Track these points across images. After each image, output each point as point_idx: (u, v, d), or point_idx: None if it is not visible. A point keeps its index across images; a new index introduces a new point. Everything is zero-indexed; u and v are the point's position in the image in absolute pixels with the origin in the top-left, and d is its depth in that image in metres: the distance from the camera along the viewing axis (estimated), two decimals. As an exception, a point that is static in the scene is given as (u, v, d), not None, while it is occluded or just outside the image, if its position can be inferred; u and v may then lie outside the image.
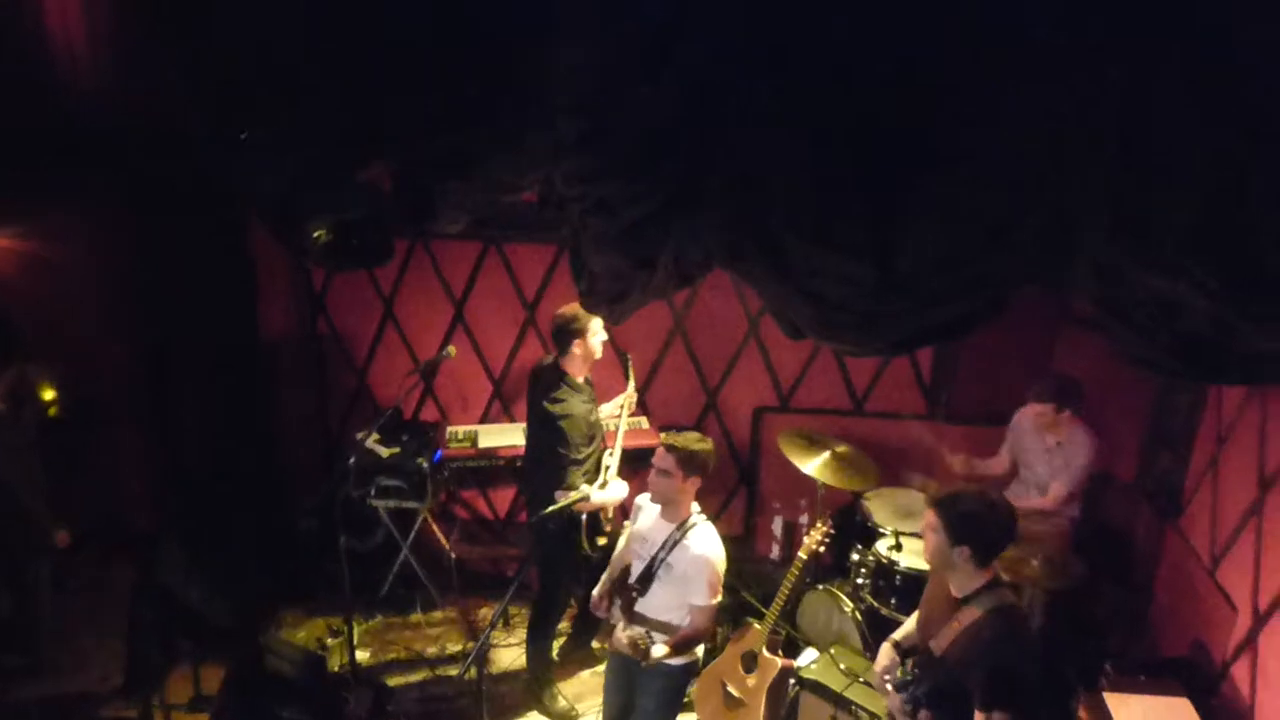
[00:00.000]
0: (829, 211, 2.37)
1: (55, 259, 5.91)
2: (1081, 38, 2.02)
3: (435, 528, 6.63)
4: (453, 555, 6.66)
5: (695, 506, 4.19)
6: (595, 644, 5.97)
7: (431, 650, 6.06)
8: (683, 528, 4.10)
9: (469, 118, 2.92)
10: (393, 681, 5.71)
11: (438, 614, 6.32)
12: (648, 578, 4.15)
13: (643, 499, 4.29)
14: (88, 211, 5.80)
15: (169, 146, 4.36)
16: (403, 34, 2.83)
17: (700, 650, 4.30)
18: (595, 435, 5.21)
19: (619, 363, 6.11)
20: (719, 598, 4.11)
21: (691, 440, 4.05)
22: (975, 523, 3.22)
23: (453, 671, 5.75)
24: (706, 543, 4.08)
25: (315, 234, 3.21)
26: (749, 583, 6.40)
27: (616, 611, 4.26)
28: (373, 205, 3.11)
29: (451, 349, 5.76)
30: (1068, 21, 2.04)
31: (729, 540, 6.82)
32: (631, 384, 5.71)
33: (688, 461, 4.00)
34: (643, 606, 4.20)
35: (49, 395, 5.74)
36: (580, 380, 5.17)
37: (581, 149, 2.63)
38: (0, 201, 5.73)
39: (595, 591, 4.42)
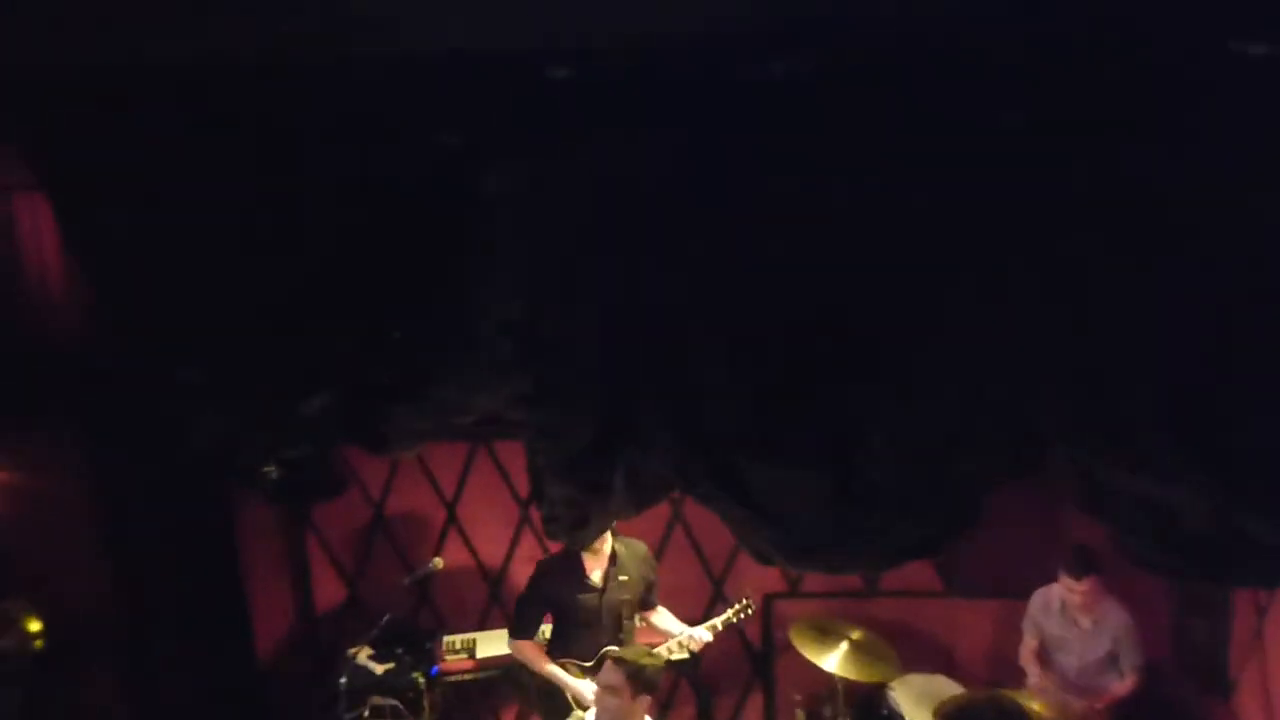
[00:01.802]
0: (776, 423, 2.22)
1: (30, 490, 5.80)
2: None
3: (436, 745, 6.22)
4: (457, 774, 6.25)
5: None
6: None
7: None
8: None
9: (407, 344, 2.84)
10: None
11: (441, 845, 5.83)
12: None
13: None
14: (61, 441, 5.73)
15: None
16: (333, 266, 2.79)
17: None
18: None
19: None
20: None
21: (640, 655, 3.82)
22: None
23: None
24: None
25: (265, 470, 3.09)
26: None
27: None
28: (319, 440, 3.00)
29: (438, 560, 5.54)
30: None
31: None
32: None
33: (636, 677, 3.74)
34: None
35: (35, 627, 5.56)
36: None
37: (515, 371, 2.53)
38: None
39: None
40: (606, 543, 5.00)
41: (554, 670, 5.08)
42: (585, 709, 4.91)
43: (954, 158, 1.81)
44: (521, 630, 5.24)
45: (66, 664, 5.70)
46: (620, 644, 4.72)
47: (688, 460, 2.30)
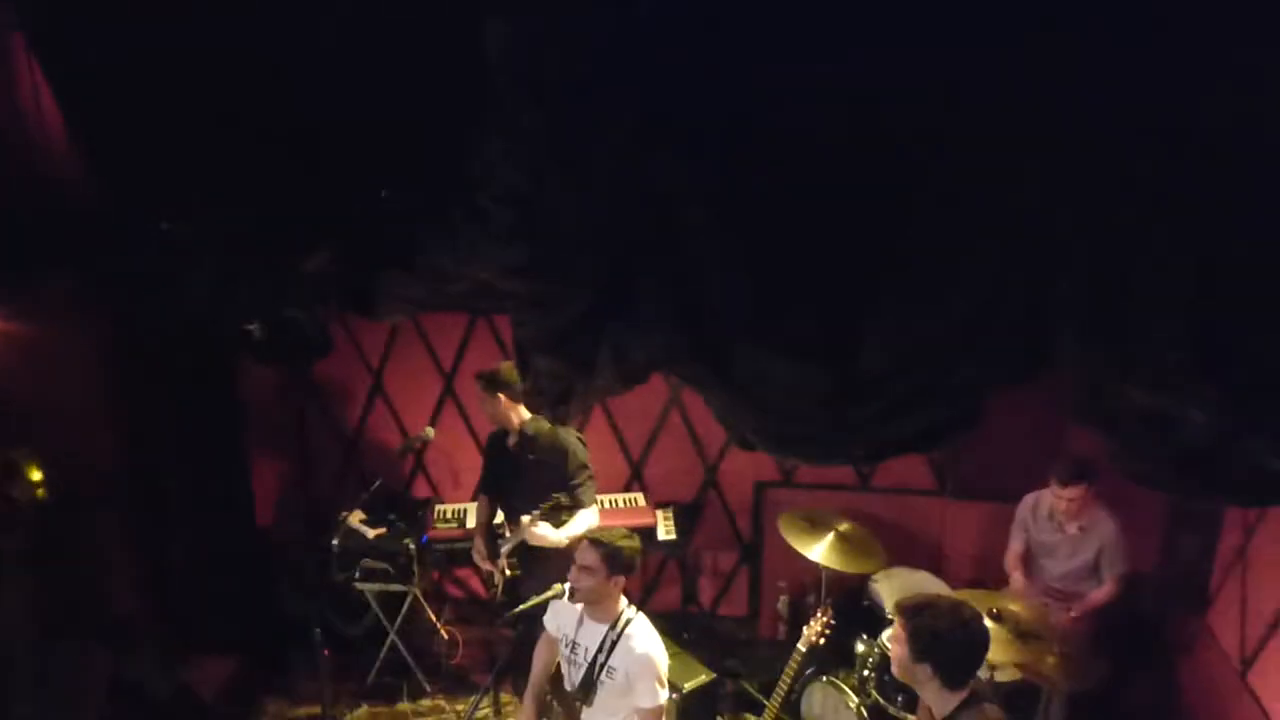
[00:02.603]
0: (773, 308, 2.13)
1: (37, 342, 5.77)
2: (1052, 130, 1.78)
3: (427, 608, 6.37)
4: (445, 636, 6.41)
5: (624, 601, 3.94)
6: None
7: (418, 742, 5.76)
8: (617, 626, 3.82)
9: (404, 207, 2.73)
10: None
11: (426, 702, 6.02)
12: (589, 685, 3.88)
13: (557, 602, 4.00)
14: (70, 296, 5.68)
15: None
16: (333, 123, 2.67)
17: None
18: None
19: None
20: (665, 694, 3.83)
21: (618, 536, 3.83)
22: (939, 641, 2.92)
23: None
24: (648, 638, 3.84)
25: (249, 329, 3.02)
26: (753, 669, 6.08)
27: None
28: (309, 301, 2.92)
29: (429, 430, 5.54)
30: (1038, 114, 1.80)
31: (733, 620, 6.65)
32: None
33: (612, 558, 3.77)
34: (589, 717, 3.93)
35: (37, 476, 5.61)
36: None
37: (512, 241, 2.43)
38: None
39: (525, 704, 4.18)
40: (520, 416, 5.08)
41: (475, 523, 5.58)
42: (480, 558, 5.32)
43: (982, 17, 1.67)
44: (479, 488, 5.63)
45: (72, 515, 5.79)
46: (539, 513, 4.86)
47: (677, 340, 2.23)
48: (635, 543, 3.85)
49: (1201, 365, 1.87)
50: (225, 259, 2.82)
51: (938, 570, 5.74)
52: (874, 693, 4.98)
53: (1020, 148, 1.78)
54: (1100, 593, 4.97)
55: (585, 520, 4.94)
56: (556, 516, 4.94)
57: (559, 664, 4.12)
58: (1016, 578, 5.22)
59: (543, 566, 4.86)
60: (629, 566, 3.81)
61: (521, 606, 4.05)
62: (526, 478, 5.14)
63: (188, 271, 2.89)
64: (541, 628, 4.19)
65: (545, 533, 4.85)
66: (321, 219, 2.84)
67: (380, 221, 2.85)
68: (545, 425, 5.03)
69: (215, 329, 3.17)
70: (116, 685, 5.57)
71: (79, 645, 5.77)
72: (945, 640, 2.91)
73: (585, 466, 5.03)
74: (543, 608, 4.07)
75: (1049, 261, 1.85)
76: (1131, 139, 1.69)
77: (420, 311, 5.84)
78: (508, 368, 4.92)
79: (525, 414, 5.06)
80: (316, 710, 5.74)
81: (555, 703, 4.10)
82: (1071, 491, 4.85)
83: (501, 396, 5.01)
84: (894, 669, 3.15)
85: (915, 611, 2.97)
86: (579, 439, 5.09)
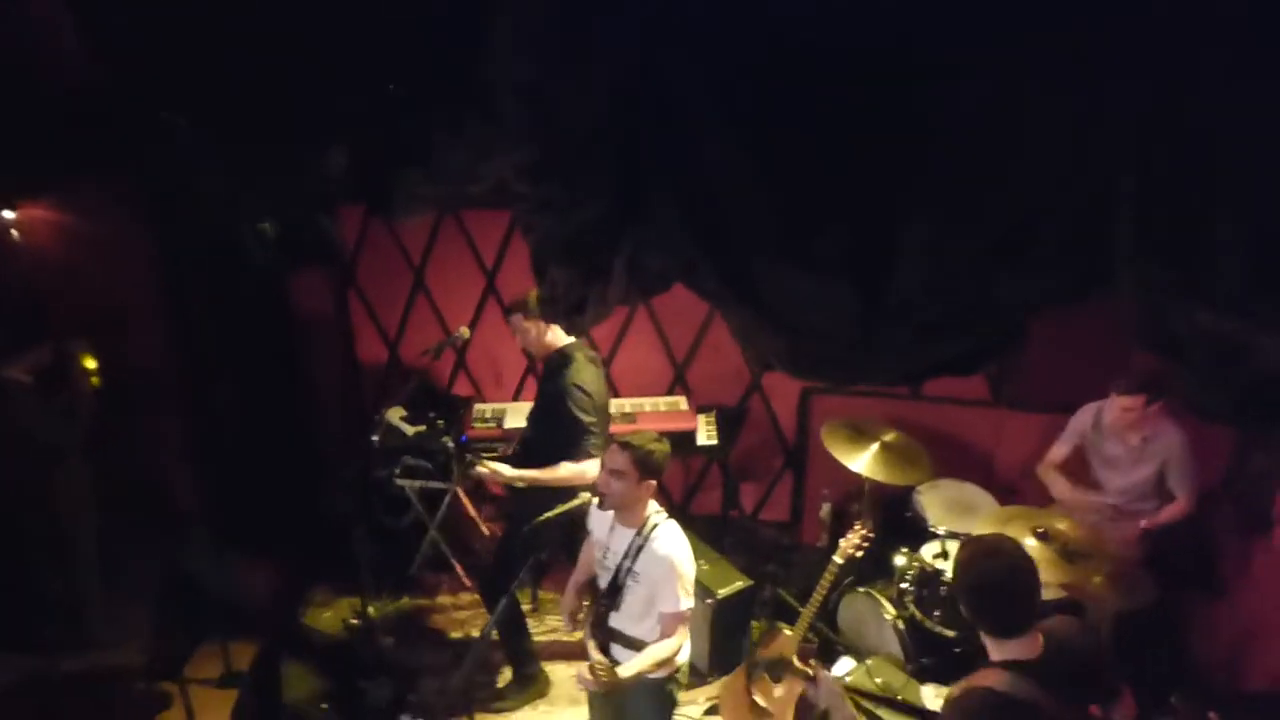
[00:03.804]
0: (801, 223, 1.94)
1: (90, 233, 5.76)
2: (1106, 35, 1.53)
3: (468, 505, 6.42)
4: (485, 533, 6.48)
5: (654, 505, 3.86)
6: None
7: (456, 634, 5.86)
8: (644, 531, 3.76)
9: (417, 103, 2.57)
10: (416, 666, 5.56)
11: (465, 596, 6.12)
12: (615, 590, 3.85)
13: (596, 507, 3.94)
14: (115, 186, 5.64)
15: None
16: (345, 18, 2.49)
17: (684, 657, 3.95)
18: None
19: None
20: (689, 602, 3.77)
21: (648, 440, 3.72)
22: (983, 597, 2.70)
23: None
24: (672, 543, 3.75)
25: (260, 229, 2.90)
26: (793, 576, 6.04)
27: (588, 630, 3.99)
28: (324, 199, 2.79)
29: (464, 330, 5.44)
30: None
31: (775, 526, 6.60)
32: None
33: (643, 462, 3.67)
34: (616, 621, 3.91)
35: (91, 365, 5.70)
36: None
37: (523, 140, 2.25)
38: (29, 171, 5.62)
39: (563, 605, 4.19)
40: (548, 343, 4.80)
41: None
42: None
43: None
44: None
45: (126, 409, 5.90)
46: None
47: (697, 253, 2.05)
48: (665, 446, 3.76)
49: (1272, 286, 1.65)
50: (233, 154, 2.68)
51: (986, 484, 5.56)
52: (911, 606, 4.90)
53: (1071, 50, 1.55)
54: (1173, 508, 4.77)
55: (562, 472, 4.63)
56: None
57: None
58: (1057, 482, 5.04)
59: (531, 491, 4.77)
60: (658, 470, 3.74)
61: (546, 515, 4.01)
62: (536, 408, 5.04)
63: (198, 165, 2.77)
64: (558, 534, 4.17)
65: (499, 468, 4.77)
66: (330, 114, 2.68)
67: (393, 118, 2.69)
68: (566, 357, 4.73)
69: (229, 227, 3.05)
70: (172, 576, 5.74)
71: (137, 533, 5.96)
72: (965, 594, 2.74)
73: (577, 418, 4.61)
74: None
75: (1102, 175, 1.63)
76: (1193, 47, 1.45)
77: (440, 210, 5.72)
78: (534, 294, 4.55)
79: (557, 340, 4.77)
80: (358, 602, 5.87)
81: (588, 607, 4.08)
82: (1129, 402, 4.62)
83: (521, 317, 4.72)
84: None
85: (962, 565, 2.77)
86: (584, 389, 4.64)
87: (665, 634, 3.77)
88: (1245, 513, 4.86)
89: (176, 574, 5.69)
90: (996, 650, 2.73)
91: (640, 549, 3.78)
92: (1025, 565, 2.66)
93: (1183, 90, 1.59)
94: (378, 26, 2.52)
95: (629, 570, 3.81)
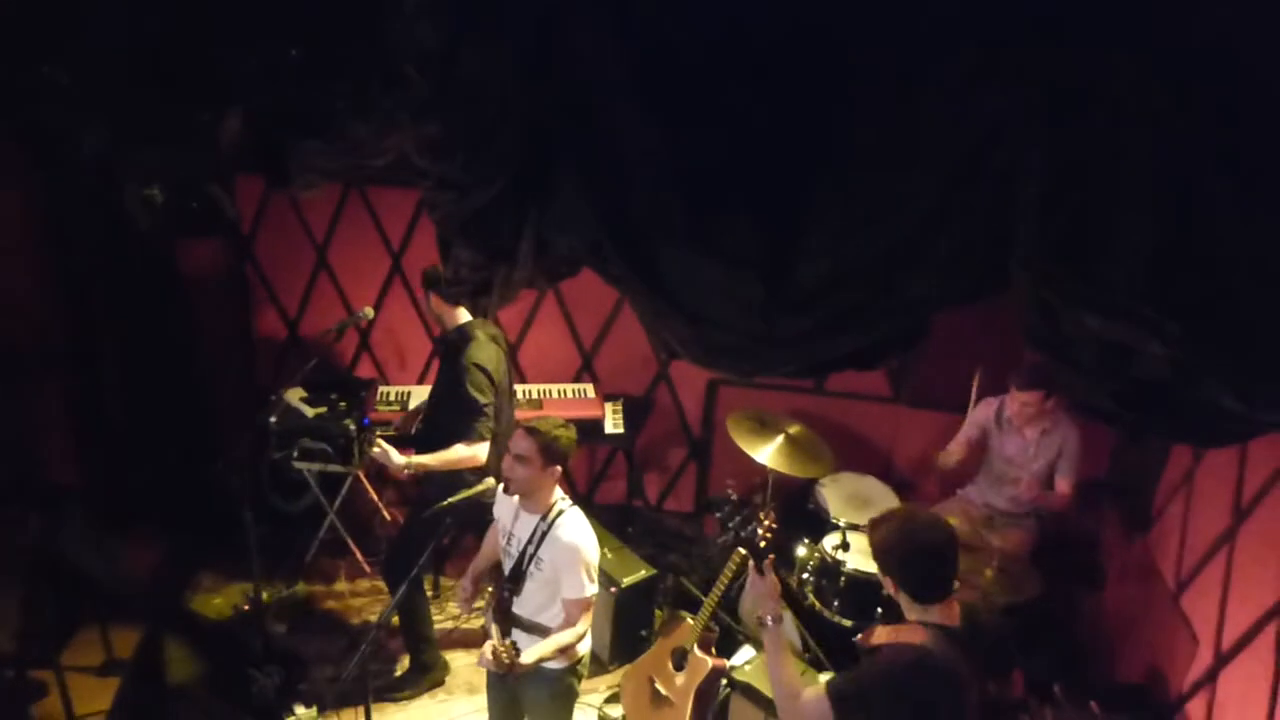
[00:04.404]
0: (704, 208, 1.92)
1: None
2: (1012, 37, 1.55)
3: (369, 488, 6.27)
4: (387, 518, 6.35)
5: (559, 492, 3.83)
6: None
7: (354, 621, 5.73)
8: (549, 518, 3.73)
9: (317, 69, 2.47)
10: (310, 654, 5.41)
11: (364, 582, 5.97)
12: (519, 576, 3.81)
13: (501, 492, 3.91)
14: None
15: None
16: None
17: (585, 647, 3.93)
18: None
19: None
20: (593, 588, 3.75)
21: (554, 425, 3.67)
22: (891, 555, 2.80)
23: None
24: (576, 530, 3.72)
25: (146, 194, 2.75)
26: (696, 566, 6.07)
27: (489, 615, 3.93)
28: (219, 167, 2.66)
29: (369, 310, 5.29)
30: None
31: (679, 516, 6.62)
32: None
33: (547, 449, 3.63)
34: (519, 607, 3.87)
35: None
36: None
37: (427, 112, 2.18)
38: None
39: (461, 590, 4.05)
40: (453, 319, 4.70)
41: None
42: None
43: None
44: None
45: (10, 377, 5.59)
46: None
47: (602, 235, 2.02)
48: (571, 433, 3.71)
49: (1163, 296, 1.70)
50: (116, 114, 2.53)
51: (885, 478, 5.69)
52: (811, 596, 4.97)
53: (975, 56, 1.56)
54: (1056, 495, 4.94)
55: (453, 455, 4.57)
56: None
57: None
58: (953, 449, 5.21)
59: (433, 475, 4.73)
60: (563, 456, 3.69)
61: (448, 500, 3.94)
62: (436, 385, 4.96)
63: (81, 126, 2.61)
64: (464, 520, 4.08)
65: (389, 454, 4.67)
66: (222, 77, 2.56)
67: (291, 84, 2.58)
68: (465, 335, 4.62)
69: (116, 191, 2.89)
70: (45, 555, 5.45)
71: (6, 509, 5.65)
72: (897, 553, 2.80)
73: (472, 398, 4.53)
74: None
75: (1004, 179, 1.65)
76: (1099, 53, 1.48)
77: (345, 184, 5.58)
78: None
79: (460, 317, 4.67)
80: (250, 588, 5.68)
81: (490, 593, 4.02)
82: (1028, 397, 4.80)
83: (434, 295, 4.59)
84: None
85: (871, 527, 2.87)
86: (483, 368, 4.56)
87: (569, 621, 3.74)
88: (1125, 510, 5.06)
89: (50, 553, 5.40)
90: (917, 613, 2.83)
91: (545, 535, 3.74)
92: (955, 539, 2.81)
93: (1082, 99, 1.61)
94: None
95: (533, 556, 3.77)
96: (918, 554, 2.81)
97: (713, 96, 1.72)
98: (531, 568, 3.78)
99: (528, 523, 3.81)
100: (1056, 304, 1.85)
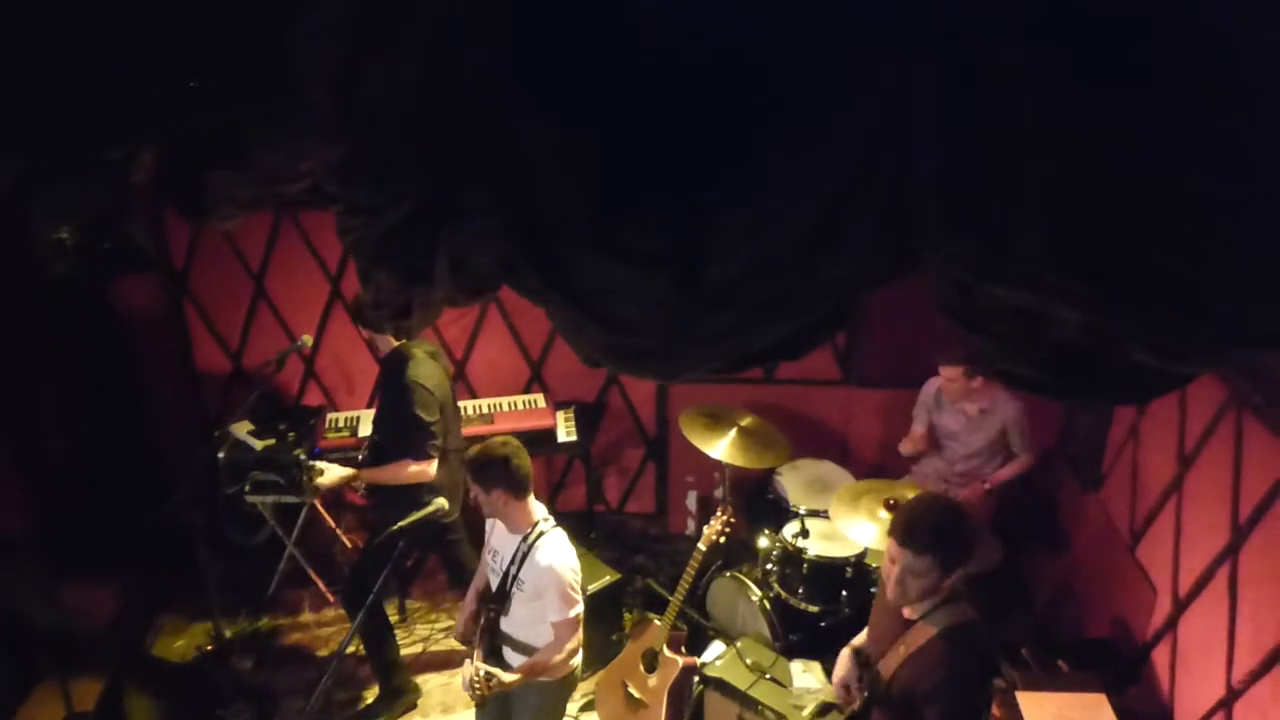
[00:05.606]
0: (611, 213, 1.90)
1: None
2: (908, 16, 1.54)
3: (327, 517, 6.20)
4: (347, 545, 6.28)
5: (541, 511, 3.80)
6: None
7: (322, 652, 5.65)
8: (529, 539, 3.71)
9: (220, 96, 2.41)
10: (278, 688, 5.33)
11: (329, 612, 5.90)
12: (503, 596, 3.80)
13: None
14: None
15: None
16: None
17: (577, 661, 3.92)
18: None
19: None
20: (578, 608, 3.73)
21: (494, 446, 3.63)
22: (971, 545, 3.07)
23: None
24: (554, 552, 3.70)
25: (56, 237, 2.67)
26: (662, 566, 6.08)
27: (477, 634, 3.91)
28: (127, 203, 2.59)
29: (307, 338, 5.24)
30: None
31: (641, 517, 6.61)
32: None
33: (480, 474, 3.62)
34: (507, 626, 3.86)
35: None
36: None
37: (333, 138, 2.14)
38: None
39: (463, 609, 4.09)
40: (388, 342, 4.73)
41: None
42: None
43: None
44: None
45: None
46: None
47: (512, 250, 2.00)
48: (508, 451, 3.63)
49: (1067, 260, 1.70)
50: (15, 155, 2.45)
51: (843, 460, 5.71)
52: (776, 586, 4.98)
53: (873, 34, 1.56)
54: (1014, 465, 5.01)
55: (397, 471, 4.57)
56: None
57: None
58: (909, 444, 5.29)
59: (390, 491, 4.72)
60: (503, 479, 3.62)
61: (402, 523, 3.90)
62: (379, 409, 4.94)
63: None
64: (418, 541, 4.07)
65: (330, 468, 4.77)
66: (128, 112, 2.48)
67: (197, 115, 2.51)
68: (402, 356, 4.62)
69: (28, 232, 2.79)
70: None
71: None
72: (963, 545, 2.99)
73: (416, 416, 4.51)
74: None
75: (905, 154, 1.65)
76: (996, 26, 1.48)
77: (273, 213, 5.51)
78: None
79: (394, 340, 4.68)
80: (210, 627, 5.59)
81: (481, 612, 3.99)
82: (951, 372, 4.86)
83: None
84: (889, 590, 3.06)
85: (920, 536, 2.94)
86: (424, 386, 4.55)
87: (558, 641, 3.72)
88: (1079, 471, 5.13)
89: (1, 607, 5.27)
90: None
91: (525, 556, 3.71)
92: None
93: (981, 72, 1.61)
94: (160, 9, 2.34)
95: (514, 577, 3.75)
96: (973, 536, 3.12)
97: (611, 96, 1.71)
98: (514, 588, 3.77)
99: (510, 542, 3.79)
100: (967, 279, 1.86)
